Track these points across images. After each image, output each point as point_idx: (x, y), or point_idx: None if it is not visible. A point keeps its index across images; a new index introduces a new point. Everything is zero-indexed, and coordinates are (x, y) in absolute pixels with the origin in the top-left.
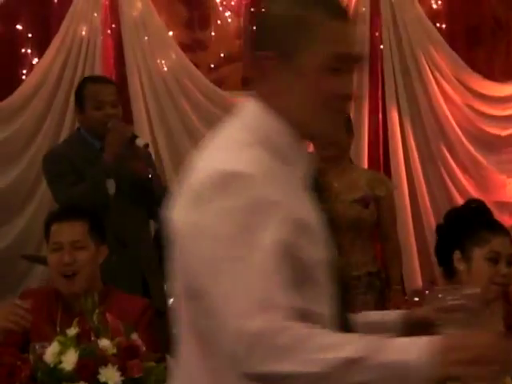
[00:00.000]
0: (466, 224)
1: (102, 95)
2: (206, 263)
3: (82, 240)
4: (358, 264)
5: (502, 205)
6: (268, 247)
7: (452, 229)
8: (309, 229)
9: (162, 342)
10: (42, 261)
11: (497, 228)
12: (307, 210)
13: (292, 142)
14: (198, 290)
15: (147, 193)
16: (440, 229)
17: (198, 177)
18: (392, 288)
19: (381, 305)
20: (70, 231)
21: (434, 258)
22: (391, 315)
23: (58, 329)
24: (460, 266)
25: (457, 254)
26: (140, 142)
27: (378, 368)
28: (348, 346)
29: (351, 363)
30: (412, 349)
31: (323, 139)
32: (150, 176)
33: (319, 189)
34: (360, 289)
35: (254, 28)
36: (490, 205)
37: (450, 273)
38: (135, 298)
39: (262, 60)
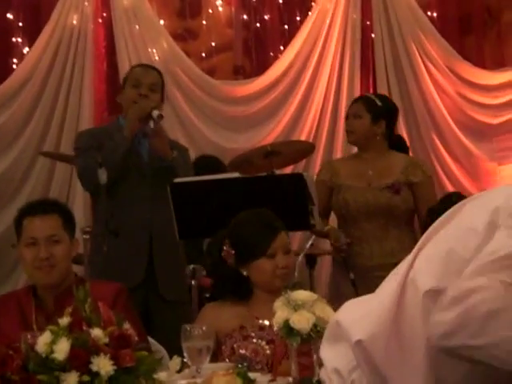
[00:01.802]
0: None
1: (141, 76)
2: None
3: (58, 234)
4: (393, 251)
5: None
6: None
7: None
8: None
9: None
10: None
11: None
12: None
13: None
14: None
15: (169, 174)
16: (424, 227)
17: None
18: None
19: None
20: (45, 225)
21: None
22: None
23: (35, 327)
24: None
25: None
26: (155, 113)
27: None
28: None
29: None
30: None
31: None
32: (173, 156)
33: None
34: None
35: None
36: None
37: None
38: (108, 284)
39: None
